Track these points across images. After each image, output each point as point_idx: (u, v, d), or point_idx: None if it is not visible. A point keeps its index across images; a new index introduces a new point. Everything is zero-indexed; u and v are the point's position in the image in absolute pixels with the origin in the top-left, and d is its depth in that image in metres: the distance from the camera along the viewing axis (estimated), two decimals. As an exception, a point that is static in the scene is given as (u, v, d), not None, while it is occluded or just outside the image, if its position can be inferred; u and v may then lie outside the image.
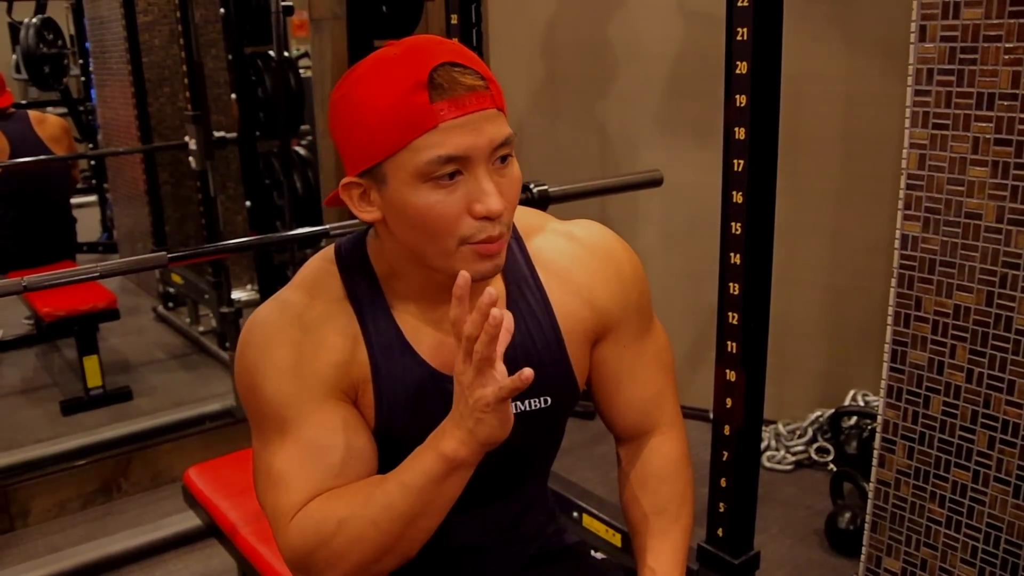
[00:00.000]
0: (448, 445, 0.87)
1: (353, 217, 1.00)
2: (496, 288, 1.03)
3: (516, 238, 1.05)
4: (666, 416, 1.14)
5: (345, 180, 0.93)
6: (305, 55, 4.26)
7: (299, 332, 0.96)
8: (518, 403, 1.03)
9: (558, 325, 1.04)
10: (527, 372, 0.82)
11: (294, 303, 0.99)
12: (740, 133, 1.49)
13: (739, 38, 1.44)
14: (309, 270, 1.03)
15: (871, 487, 1.79)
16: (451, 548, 0.96)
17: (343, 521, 0.91)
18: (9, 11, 5.71)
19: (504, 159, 0.90)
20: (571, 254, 1.06)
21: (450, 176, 0.87)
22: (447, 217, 0.88)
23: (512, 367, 1.01)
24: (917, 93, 1.56)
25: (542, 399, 1.04)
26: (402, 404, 0.99)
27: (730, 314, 1.59)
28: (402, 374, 0.99)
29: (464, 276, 0.84)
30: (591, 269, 1.06)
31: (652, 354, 1.12)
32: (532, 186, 1.95)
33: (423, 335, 1.00)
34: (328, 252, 1.03)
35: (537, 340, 1.02)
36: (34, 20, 5.03)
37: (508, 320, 0.85)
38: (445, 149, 0.86)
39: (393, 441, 0.99)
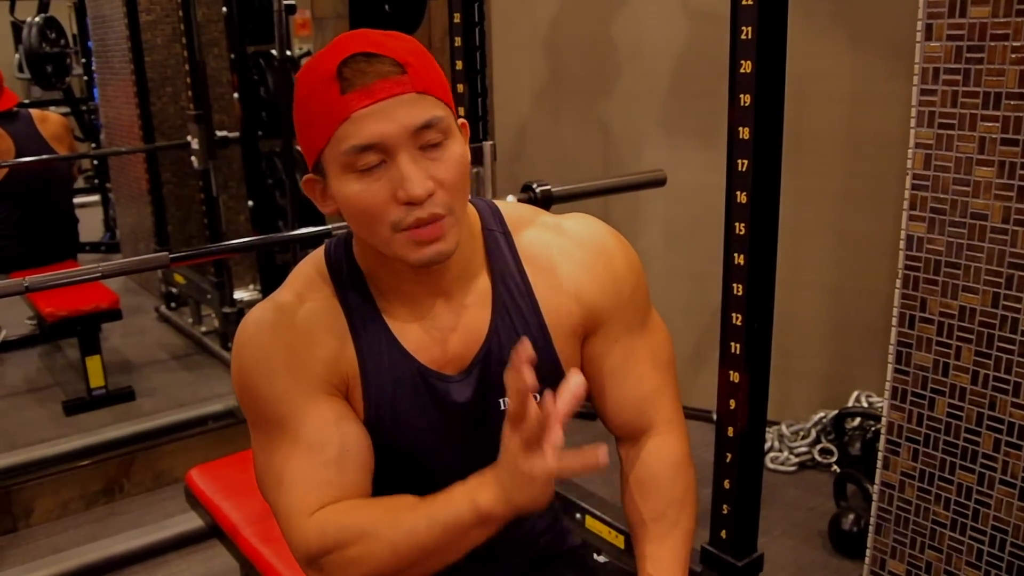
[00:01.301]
0: (484, 498, 0.87)
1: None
2: (482, 282, 1.03)
3: (504, 232, 1.05)
4: (663, 415, 1.11)
5: (306, 176, 0.96)
6: (308, 54, 4.26)
7: (291, 331, 0.98)
8: (505, 399, 1.03)
9: (544, 320, 1.03)
10: (602, 455, 0.81)
11: (285, 303, 1.01)
12: (744, 133, 1.48)
13: (743, 37, 1.44)
14: (299, 272, 1.05)
15: (875, 489, 1.78)
16: None
17: (365, 533, 0.92)
18: (12, 10, 5.72)
19: (436, 144, 0.90)
20: (559, 247, 1.05)
21: (374, 165, 0.89)
22: (373, 205, 0.90)
23: (497, 363, 1.02)
24: (923, 92, 1.55)
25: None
26: (389, 399, 1.00)
27: (734, 315, 1.58)
28: (389, 369, 1.00)
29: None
30: (579, 262, 1.05)
31: (646, 350, 1.10)
32: (535, 186, 1.95)
33: (410, 330, 1.01)
34: (317, 253, 1.05)
35: (522, 335, 1.02)
36: (37, 19, 5.04)
37: (576, 383, 0.83)
38: (359, 138, 0.88)
39: (382, 435, 1.00)
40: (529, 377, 0.81)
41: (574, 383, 0.83)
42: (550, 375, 1.04)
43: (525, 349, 0.81)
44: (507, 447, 0.85)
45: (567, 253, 1.05)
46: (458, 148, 0.92)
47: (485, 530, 0.90)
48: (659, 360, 1.11)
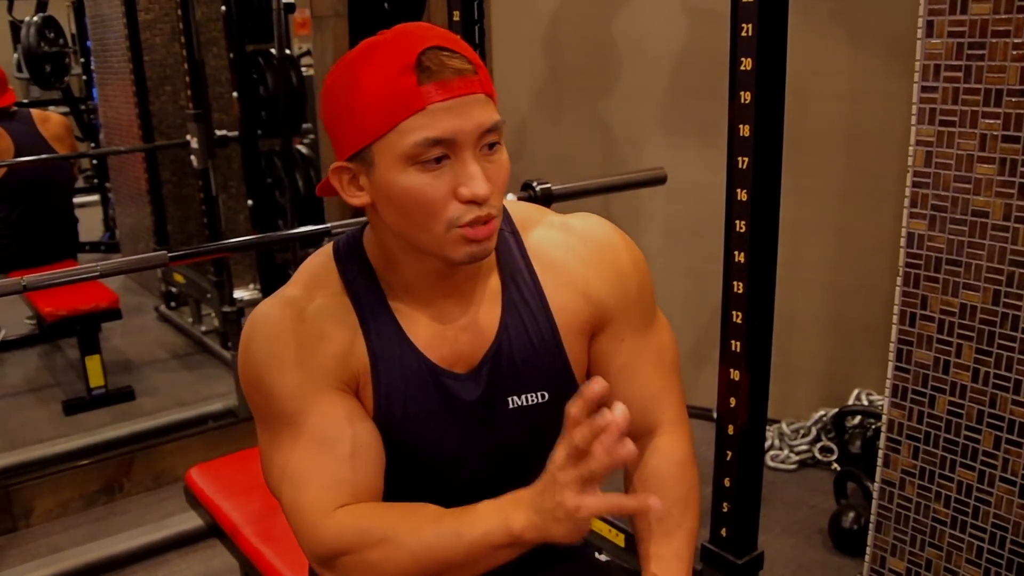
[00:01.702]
0: (518, 522, 0.85)
1: (354, 215, 1.00)
2: (492, 281, 1.02)
3: (513, 232, 1.05)
4: (668, 415, 1.11)
5: (335, 164, 0.94)
6: (307, 53, 4.26)
7: (300, 326, 0.97)
8: (514, 397, 1.03)
9: (553, 318, 1.03)
10: (655, 504, 0.79)
11: (294, 298, 0.99)
12: (744, 130, 1.48)
13: (744, 34, 1.44)
14: (308, 267, 1.04)
15: (875, 487, 1.78)
16: None
17: (386, 539, 0.91)
18: (10, 9, 5.71)
19: (492, 146, 0.90)
20: (567, 245, 1.05)
21: (436, 160, 0.88)
22: (433, 200, 0.88)
23: (507, 361, 1.01)
24: (924, 90, 1.55)
25: (539, 394, 1.04)
26: (400, 396, 1.00)
27: (734, 313, 1.58)
28: (400, 366, 0.99)
29: (602, 384, 0.79)
30: (587, 260, 1.05)
31: (652, 350, 1.10)
32: (535, 184, 1.94)
33: (420, 327, 1.00)
34: (326, 249, 1.04)
35: (532, 334, 1.02)
36: (35, 19, 5.04)
37: (630, 447, 0.79)
38: (432, 131, 0.86)
39: (391, 432, 1.00)
40: (621, 419, 0.77)
41: (620, 414, 0.79)
42: (560, 374, 1.04)
43: (601, 384, 0.79)
44: (557, 478, 0.82)
45: (575, 251, 1.05)
46: (506, 155, 0.93)
47: (512, 552, 0.88)
48: (665, 360, 1.11)
